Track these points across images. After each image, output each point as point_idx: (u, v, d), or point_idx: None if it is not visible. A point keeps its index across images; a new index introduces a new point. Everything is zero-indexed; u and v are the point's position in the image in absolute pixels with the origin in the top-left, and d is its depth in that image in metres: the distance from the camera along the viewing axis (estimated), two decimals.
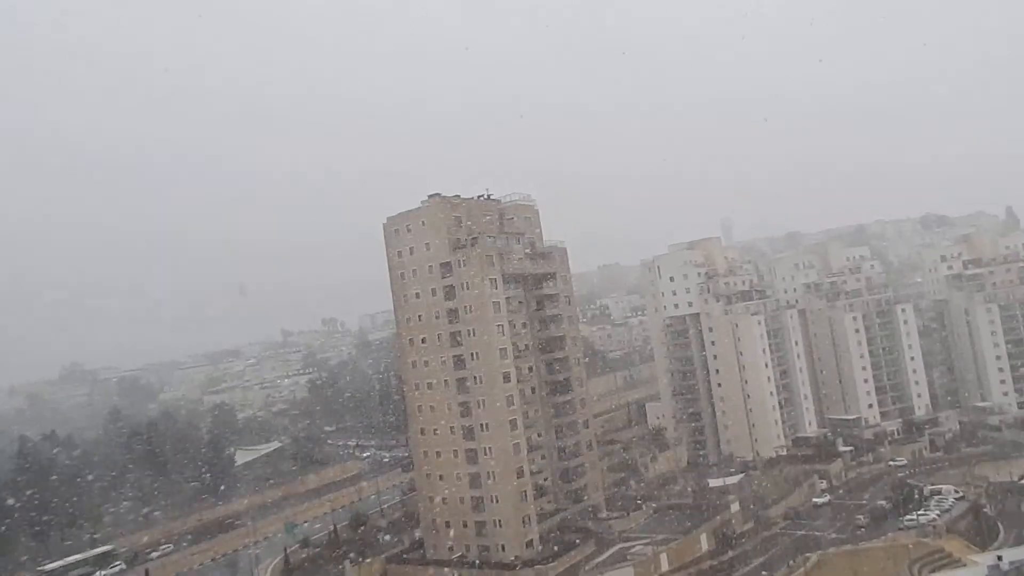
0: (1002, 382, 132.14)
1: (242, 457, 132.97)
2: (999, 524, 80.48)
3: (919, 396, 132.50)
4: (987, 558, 56.61)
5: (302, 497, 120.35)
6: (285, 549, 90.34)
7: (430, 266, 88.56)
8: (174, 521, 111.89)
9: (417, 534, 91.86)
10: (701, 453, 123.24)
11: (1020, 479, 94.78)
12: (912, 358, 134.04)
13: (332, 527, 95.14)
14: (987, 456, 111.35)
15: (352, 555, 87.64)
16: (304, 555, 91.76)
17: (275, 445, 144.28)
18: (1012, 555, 56.19)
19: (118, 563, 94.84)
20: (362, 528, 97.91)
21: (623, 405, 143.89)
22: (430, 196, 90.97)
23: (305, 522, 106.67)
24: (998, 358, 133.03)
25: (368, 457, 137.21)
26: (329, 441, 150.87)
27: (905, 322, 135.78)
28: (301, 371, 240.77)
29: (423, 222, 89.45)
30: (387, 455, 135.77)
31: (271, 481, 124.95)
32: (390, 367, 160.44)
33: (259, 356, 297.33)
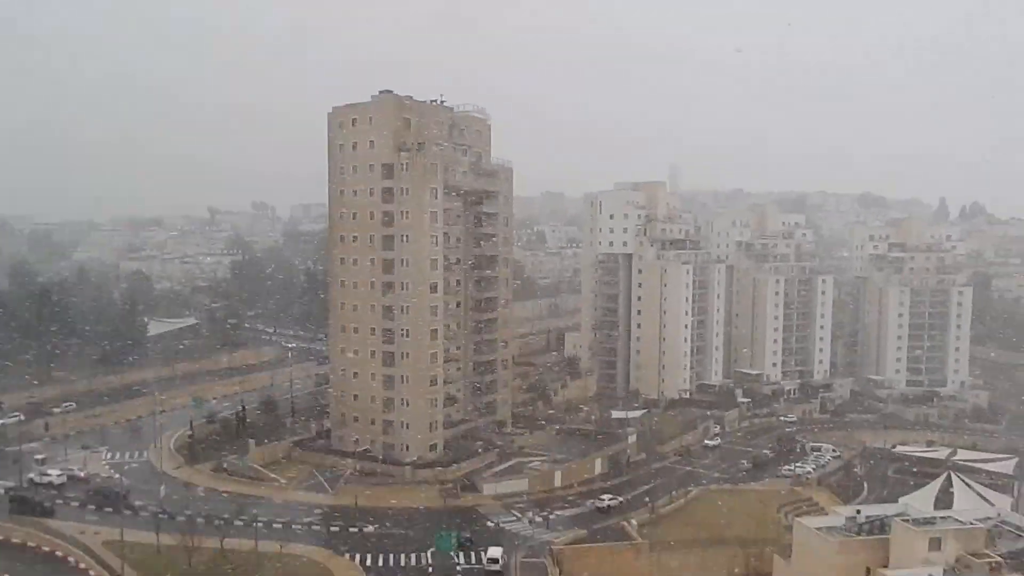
0: (897, 360, 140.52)
1: (155, 328, 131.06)
2: (865, 483, 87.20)
3: (820, 362, 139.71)
4: (847, 511, 61.52)
5: (213, 375, 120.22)
6: (191, 422, 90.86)
7: (371, 165, 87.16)
8: (78, 382, 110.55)
9: (325, 425, 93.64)
10: (610, 386, 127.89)
11: (892, 447, 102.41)
12: (822, 327, 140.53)
13: (241, 407, 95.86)
14: (868, 424, 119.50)
15: (258, 436, 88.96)
16: (210, 430, 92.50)
17: (191, 321, 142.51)
18: (869, 511, 61.44)
19: (16, 413, 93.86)
20: (271, 412, 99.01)
21: (544, 331, 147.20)
22: (381, 92, 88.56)
23: (214, 399, 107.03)
24: (899, 338, 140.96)
25: (284, 346, 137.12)
26: (247, 324, 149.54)
27: (823, 292, 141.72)
28: (225, 251, 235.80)
29: (370, 118, 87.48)
30: (304, 346, 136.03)
31: (183, 356, 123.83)
32: (318, 260, 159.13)
33: (183, 229, 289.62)
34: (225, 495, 73.55)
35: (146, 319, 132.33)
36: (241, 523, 63.27)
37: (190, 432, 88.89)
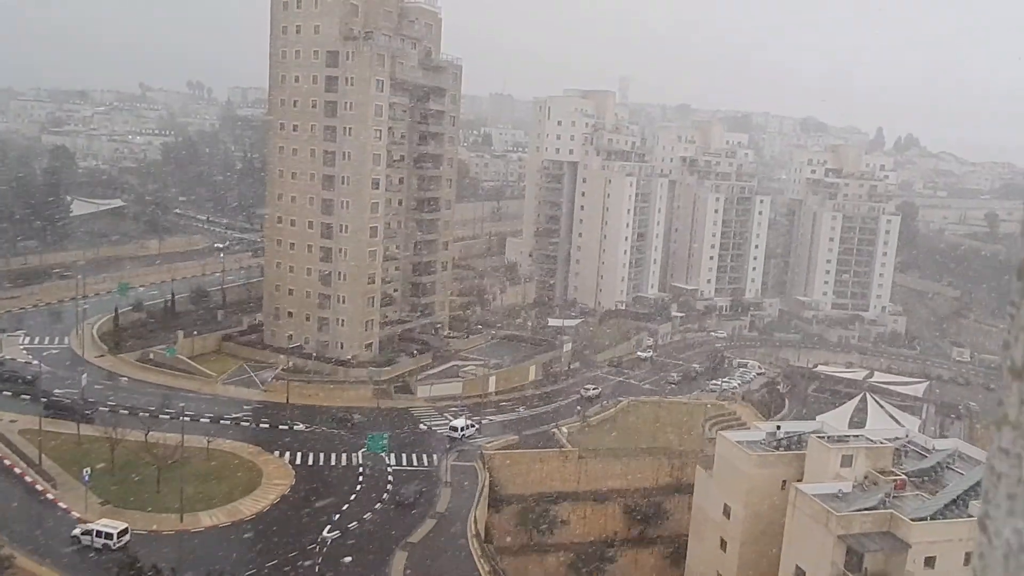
0: (825, 283, 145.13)
1: (79, 208, 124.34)
2: (786, 400, 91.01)
3: (752, 281, 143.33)
4: (768, 426, 64.28)
5: (140, 261, 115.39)
6: (116, 309, 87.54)
7: (316, 51, 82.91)
8: None
9: (258, 318, 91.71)
10: (549, 294, 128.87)
11: (813, 367, 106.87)
12: (756, 246, 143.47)
13: (170, 296, 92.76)
14: (793, 343, 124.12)
15: (187, 327, 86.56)
16: (136, 318, 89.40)
17: (117, 203, 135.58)
18: (789, 427, 64.49)
19: None
20: (201, 303, 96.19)
21: (486, 235, 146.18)
22: None
23: (141, 287, 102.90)
24: (828, 262, 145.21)
25: (217, 234, 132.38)
26: (178, 211, 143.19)
27: (760, 213, 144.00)
28: (157, 131, 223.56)
29: (317, 1, 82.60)
30: (239, 236, 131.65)
31: (109, 239, 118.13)
32: (255, 147, 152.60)
33: (111, 105, 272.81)
34: (151, 386, 71.81)
35: (69, 198, 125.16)
36: (167, 416, 62.03)
37: (115, 319, 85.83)
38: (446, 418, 71.38)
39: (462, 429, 66.17)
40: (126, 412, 61.56)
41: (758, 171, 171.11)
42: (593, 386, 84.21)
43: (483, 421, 71.93)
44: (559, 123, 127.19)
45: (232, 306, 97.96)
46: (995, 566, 0.88)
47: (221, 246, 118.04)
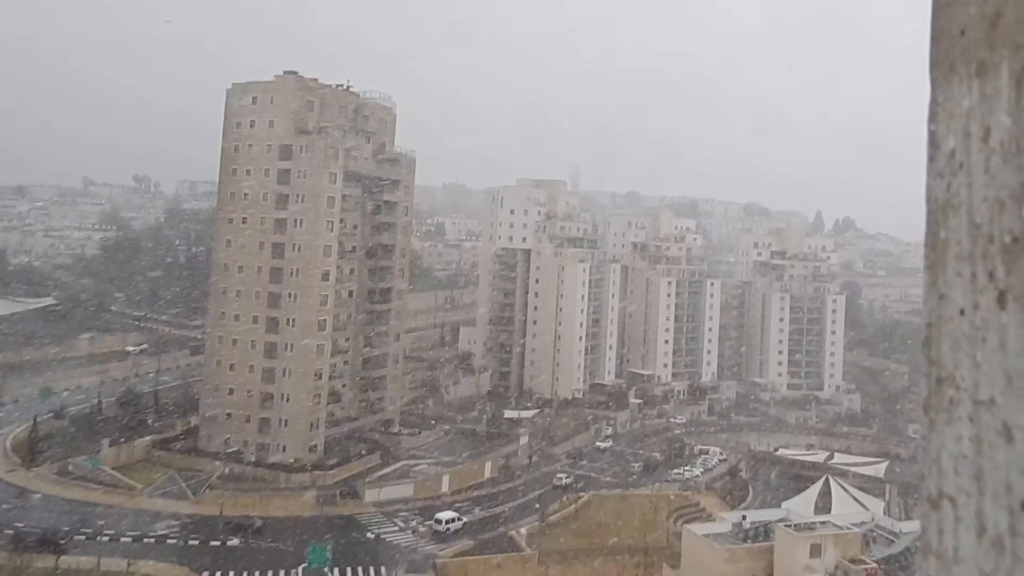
0: (779, 364, 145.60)
1: (4, 308, 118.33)
2: (750, 487, 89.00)
3: (708, 364, 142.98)
4: (734, 516, 62.14)
5: (69, 363, 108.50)
6: (35, 417, 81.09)
7: (269, 145, 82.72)
8: None
9: (193, 422, 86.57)
10: (504, 384, 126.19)
11: (775, 450, 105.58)
12: (710, 329, 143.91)
13: (97, 400, 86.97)
14: (753, 426, 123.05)
15: (114, 434, 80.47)
16: (57, 426, 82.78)
17: (47, 301, 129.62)
18: (755, 516, 62.58)
19: None
20: (132, 407, 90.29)
21: (438, 325, 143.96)
22: (286, 72, 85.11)
23: (67, 391, 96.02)
24: (780, 342, 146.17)
25: (155, 332, 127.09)
26: (113, 307, 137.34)
27: (712, 295, 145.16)
28: (98, 226, 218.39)
29: (272, 98, 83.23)
30: (178, 333, 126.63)
31: (34, 339, 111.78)
32: (201, 241, 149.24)
33: (50, 200, 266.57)
34: (68, 503, 65.99)
35: None
36: (84, 536, 56.71)
37: (32, 428, 79.46)
38: (396, 523, 67.36)
39: (447, 522, 63.21)
40: (35, 534, 55.83)
41: (707, 255, 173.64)
42: (565, 474, 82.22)
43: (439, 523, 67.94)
44: (512, 212, 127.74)
45: (166, 409, 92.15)
46: None
47: (133, 349, 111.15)
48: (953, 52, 1.00)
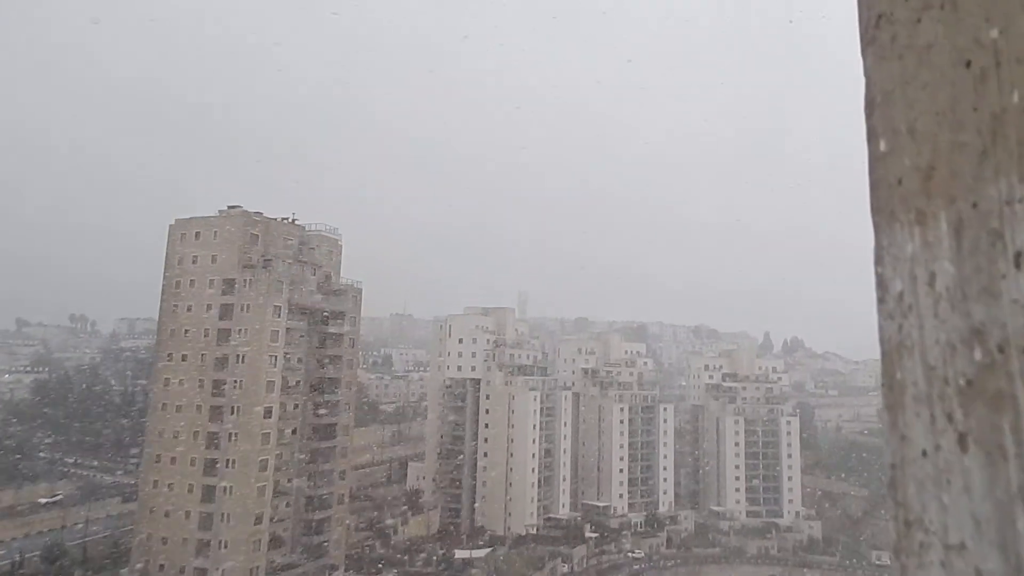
0: (736, 490, 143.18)
1: None
2: None
3: (665, 493, 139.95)
4: None
5: None
6: None
7: (212, 280, 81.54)
8: None
9: (124, 575, 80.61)
10: (455, 521, 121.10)
11: None
12: (665, 456, 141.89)
13: (18, 556, 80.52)
14: (713, 558, 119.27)
15: None
16: None
17: None
18: None
19: None
20: (57, 561, 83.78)
21: (386, 461, 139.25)
22: (230, 207, 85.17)
23: None
24: (736, 467, 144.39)
25: (87, 479, 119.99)
26: (42, 454, 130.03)
27: (665, 421, 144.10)
28: (29, 368, 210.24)
29: (215, 232, 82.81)
30: (111, 480, 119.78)
31: None
32: (138, 381, 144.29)
33: None
34: None
35: None
36: None
37: None
38: None
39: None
40: None
41: (659, 379, 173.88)
42: None
43: None
44: (460, 341, 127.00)
45: (94, 561, 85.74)
46: None
47: (45, 500, 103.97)
48: (892, 200, 1.02)
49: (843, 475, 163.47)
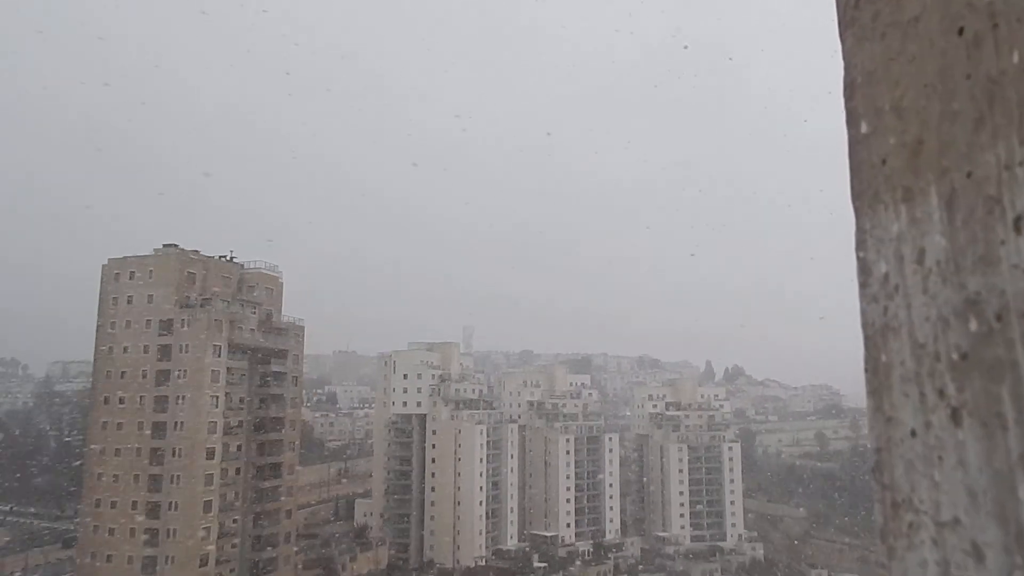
0: (681, 515, 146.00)
1: None
2: None
3: (611, 521, 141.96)
4: None
5: None
6: None
7: (148, 320, 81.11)
8: None
9: None
10: (403, 556, 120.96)
11: None
12: (611, 484, 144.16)
13: None
14: None
15: None
16: None
17: None
18: None
19: None
20: None
21: (332, 498, 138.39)
22: (165, 246, 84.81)
23: None
24: (680, 494, 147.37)
25: (23, 526, 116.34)
26: None
27: (610, 450, 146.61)
28: None
29: (151, 272, 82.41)
30: (48, 527, 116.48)
31: None
32: (74, 425, 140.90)
33: None
34: None
35: None
36: None
37: None
38: None
39: None
40: None
41: (603, 410, 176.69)
42: None
43: None
44: (405, 376, 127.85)
45: None
46: None
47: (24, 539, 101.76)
48: (876, 181, 1.01)
49: (783, 498, 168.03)
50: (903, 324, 0.95)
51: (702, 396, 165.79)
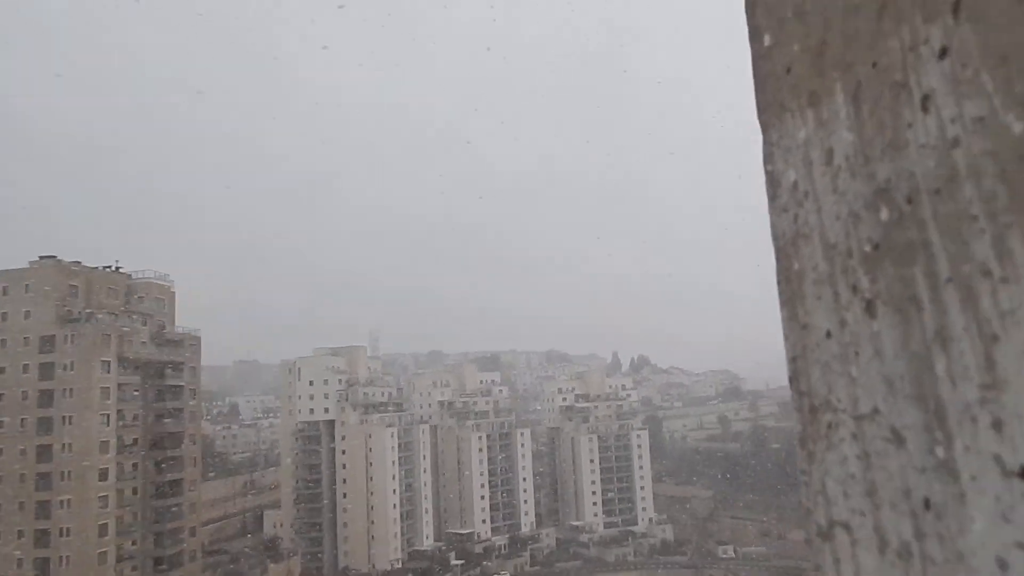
0: (594, 504, 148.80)
1: None
2: None
3: (526, 514, 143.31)
4: None
5: None
6: None
7: (27, 338, 76.60)
8: None
9: None
10: (317, 564, 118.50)
11: None
12: (524, 478, 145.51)
13: None
14: (575, 571, 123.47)
15: None
16: None
17: None
18: None
19: None
20: None
21: (239, 512, 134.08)
22: (42, 258, 79.95)
23: None
24: (592, 483, 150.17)
25: None
26: None
27: (522, 445, 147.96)
28: None
29: (27, 286, 77.76)
30: None
31: None
32: None
33: None
34: None
35: None
36: None
37: None
38: None
39: None
40: None
41: (514, 405, 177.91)
42: None
43: None
44: (311, 383, 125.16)
45: None
46: None
47: None
48: (781, 91, 1.01)
49: (691, 480, 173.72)
50: (814, 228, 0.95)
51: (610, 387, 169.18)
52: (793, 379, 0.99)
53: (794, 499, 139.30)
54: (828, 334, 0.92)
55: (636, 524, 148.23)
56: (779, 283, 1.05)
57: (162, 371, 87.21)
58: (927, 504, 0.75)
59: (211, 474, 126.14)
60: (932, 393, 0.75)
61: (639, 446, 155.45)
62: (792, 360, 1.00)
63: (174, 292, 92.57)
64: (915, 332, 0.78)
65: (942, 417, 0.74)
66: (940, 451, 0.74)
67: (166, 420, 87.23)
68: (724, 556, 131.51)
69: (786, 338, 1.02)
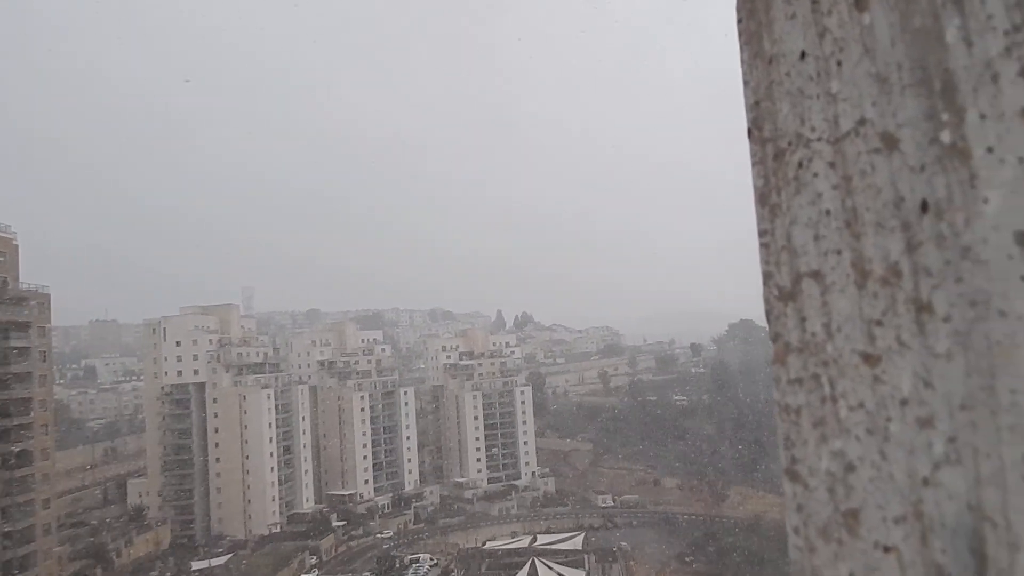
0: (478, 460, 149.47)
1: None
2: None
3: (410, 472, 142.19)
4: None
5: None
6: None
7: None
8: None
9: None
10: (189, 533, 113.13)
11: (483, 545, 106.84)
12: (408, 437, 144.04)
13: None
14: (459, 526, 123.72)
15: None
16: None
17: None
18: None
19: None
20: None
21: (100, 482, 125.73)
22: None
23: None
24: (477, 439, 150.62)
25: None
26: None
27: (406, 404, 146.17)
28: None
29: None
30: None
31: None
32: None
33: None
34: None
35: None
36: None
37: None
38: None
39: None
40: None
41: (398, 364, 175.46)
42: None
43: None
44: (178, 343, 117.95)
45: None
46: (820, 508, 0.75)
47: None
48: None
49: (572, 434, 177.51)
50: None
51: (494, 344, 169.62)
52: (754, 128, 0.92)
53: (670, 449, 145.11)
54: (803, 55, 0.84)
55: (519, 478, 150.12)
56: (740, 22, 0.96)
57: (6, 331, 79.38)
58: (924, 206, 0.68)
59: (67, 442, 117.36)
60: (939, 70, 0.67)
61: (523, 402, 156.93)
62: (754, 105, 0.92)
63: (17, 245, 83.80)
64: (918, 10, 0.69)
65: (950, 92, 0.67)
66: (946, 135, 0.67)
67: (12, 385, 79.84)
68: (603, 505, 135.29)
69: (746, 84, 0.94)
